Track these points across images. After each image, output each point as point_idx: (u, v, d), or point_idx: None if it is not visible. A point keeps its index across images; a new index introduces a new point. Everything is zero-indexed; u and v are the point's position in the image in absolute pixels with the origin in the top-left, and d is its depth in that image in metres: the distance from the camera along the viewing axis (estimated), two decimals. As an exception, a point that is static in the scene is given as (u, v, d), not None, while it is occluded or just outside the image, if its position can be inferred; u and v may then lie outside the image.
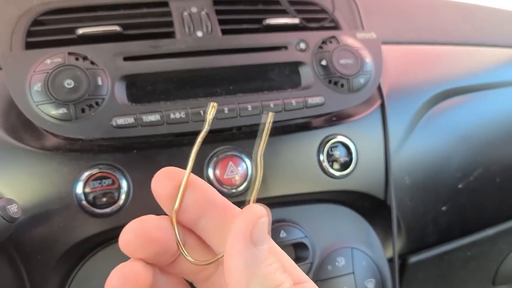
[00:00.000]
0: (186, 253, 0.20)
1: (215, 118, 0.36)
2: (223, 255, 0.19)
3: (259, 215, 0.18)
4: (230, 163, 0.37)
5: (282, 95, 0.37)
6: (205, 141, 0.20)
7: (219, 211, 0.20)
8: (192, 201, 0.20)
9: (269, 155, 0.39)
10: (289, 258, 0.22)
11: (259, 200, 0.41)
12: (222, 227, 0.20)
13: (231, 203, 0.21)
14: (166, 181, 0.19)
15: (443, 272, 0.52)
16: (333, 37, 0.40)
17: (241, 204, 0.39)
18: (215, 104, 0.19)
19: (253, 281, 0.18)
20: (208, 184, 0.20)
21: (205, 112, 0.35)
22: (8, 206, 0.27)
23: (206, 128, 0.19)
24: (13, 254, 0.35)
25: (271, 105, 0.37)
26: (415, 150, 0.45)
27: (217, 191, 0.21)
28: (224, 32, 0.41)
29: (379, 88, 0.44)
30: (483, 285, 0.59)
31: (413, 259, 0.48)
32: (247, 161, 0.38)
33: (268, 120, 0.19)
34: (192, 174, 0.20)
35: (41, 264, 0.35)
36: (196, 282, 0.22)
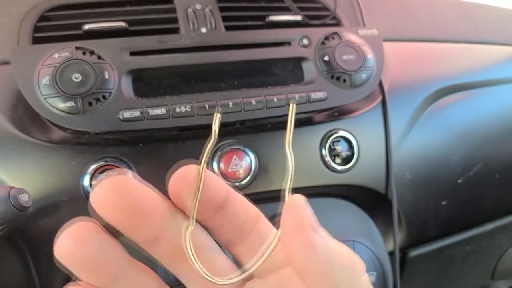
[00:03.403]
0: (206, 273, 0.18)
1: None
2: (250, 270, 0.18)
3: (304, 202, 0.17)
4: (234, 156, 0.38)
5: (285, 90, 0.38)
6: (209, 135, 0.20)
7: (235, 207, 0.19)
8: (207, 200, 0.18)
9: (272, 149, 0.40)
10: None
11: (262, 194, 0.42)
12: (237, 223, 0.19)
13: (244, 197, 0.20)
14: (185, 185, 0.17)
15: (443, 266, 0.53)
16: (336, 33, 0.41)
17: (245, 197, 0.39)
18: (218, 114, 0.19)
19: (334, 268, 0.17)
20: (220, 179, 0.20)
21: (211, 107, 0.36)
22: (19, 196, 0.27)
23: (213, 139, 0.18)
24: (21, 246, 0.35)
25: (275, 99, 0.37)
26: (415, 145, 0.46)
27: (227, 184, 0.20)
28: (228, 28, 0.41)
29: (380, 84, 0.45)
30: (482, 280, 0.60)
31: (414, 252, 0.48)
32: (251, 154, 0.39)
33: (290, 110, 0.19)
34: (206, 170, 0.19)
35: (49, 255, 0.35)
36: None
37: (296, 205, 0.17)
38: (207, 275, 0.18)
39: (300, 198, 0.18)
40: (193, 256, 0.18)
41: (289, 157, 0.19)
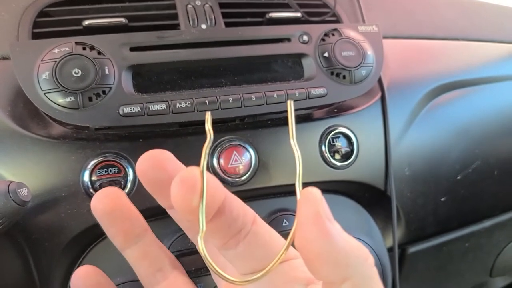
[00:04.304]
0: (225, 274, 0.18)
1: (220, 108, 0.36)
2: (268, 267, 0.19)
3: (319, 194, 0.18)
4: (234, 152, 0.38)
5: (285, 86, 0.38)
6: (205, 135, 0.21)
7: (232, 210, 0.19)
8: (206, 203, 0.18)
9: (272, 145, 0.40)
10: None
11: (262, 189, 0.42)
12: (235, 226, 0.20)
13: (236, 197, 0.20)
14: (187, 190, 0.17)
15: (441, 262, 0.53)
16: (335, 29, 0.41)
17: (244, 193, 0.39)
18: (209, 112, 0.19)
19: (349, 257, 0.17)
20: (218, 181, 0.19)
21: (211, 103, 0.36)
22: (19, 190, 0.27)
23: (209, 138, 0.19)
24: (21, 242, 0.35)
25: (275, 95, 0.37)
26: (415, 142, 0.46)
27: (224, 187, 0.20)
28: (228, 25, 0.41)
29: (380, 81, 0.45)
30: (480, 276, 0.60)
31: (412, 249, 0.49)
32: (251, 150, 0.39)
33: (289, 107, 0.19)
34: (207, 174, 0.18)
35: (48, 251, 0.35)
36: None
37: (313, 197, 0.18)
38: (224, 276, 0.18)
39: (316, 190, 0.18)
40: (208, 259, 0.18)
41: (295, 150, 0.19)
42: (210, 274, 0.37)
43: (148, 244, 0.24)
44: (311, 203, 0.17)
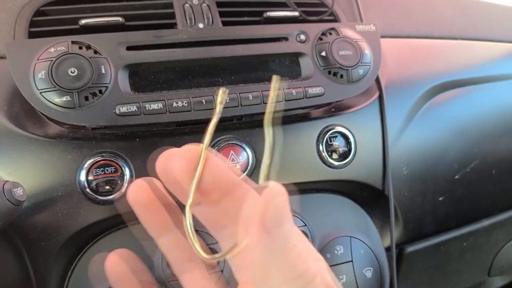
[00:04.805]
0: (199, 249, 0.19)
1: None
2: (232, 247, 0.19)
3: (272, 195, 0.17)
4: (232, 152, 0.38)
5: (282, 85, 0.38)
6: (206, 130, 0.21)
7: (240, 191, 0.19)
8: (209, 183, 0.18)
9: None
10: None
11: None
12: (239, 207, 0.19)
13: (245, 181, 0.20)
14: (183, 161, 0.18)
15: (439, 262, 0.53)
16: (333, 28, 0.41)
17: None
18: (225, 89, 0.19)
19: (272, 269, 0.16)
20: (227, 167, 0.19)
21: (214, 98, 0.36)
22: (14, 190, 0.27)
23: (218, 111, 0.19)
24: (17, 242, 0.35)
25: (272, 95, 0.37)
26: (413, 141, 0.46)
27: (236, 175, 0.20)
28: (225, 24, 0.41)
29: (377, 80, 0.45)
30: (479, 276, 0.60)
31: (410, 248, 0.49)
32: (248, 150, 0.39)
33: (273, 83, 0.18)
34: (211, 153, 0.19)
35: (45, 251, 0.35)
36: None
37: (269, 196, 0.17)
38: (196, 248, 0.18)
39: (269, 190, 0.17)
40: (191, 229, 0.18)
41: (267, 136, 0.18)
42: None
43: (181, 234, 0.23)
44: (259, 204, 0.17)
